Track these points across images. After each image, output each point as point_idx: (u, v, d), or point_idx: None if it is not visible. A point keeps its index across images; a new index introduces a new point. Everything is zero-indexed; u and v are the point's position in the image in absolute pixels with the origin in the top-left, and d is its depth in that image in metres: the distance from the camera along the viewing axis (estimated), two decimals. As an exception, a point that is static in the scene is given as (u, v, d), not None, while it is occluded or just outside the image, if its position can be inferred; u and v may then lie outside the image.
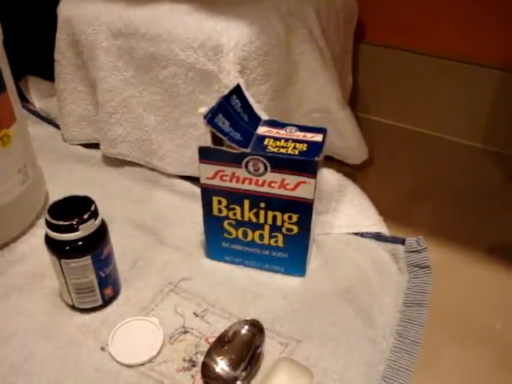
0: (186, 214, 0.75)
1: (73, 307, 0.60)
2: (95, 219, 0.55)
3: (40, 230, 0.70)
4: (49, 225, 0.53)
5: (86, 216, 0.53)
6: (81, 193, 0.57)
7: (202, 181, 0.60)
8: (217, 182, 0.59)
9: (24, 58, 1.06)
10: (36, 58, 1.09)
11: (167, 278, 0.64)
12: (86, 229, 0.54)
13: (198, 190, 0.77)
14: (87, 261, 0.55)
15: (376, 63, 0.99)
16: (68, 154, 0.90)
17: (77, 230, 0.53)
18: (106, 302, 0.60)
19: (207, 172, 0.59)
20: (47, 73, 1.08)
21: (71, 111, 0.88)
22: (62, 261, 0.55)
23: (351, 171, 0.84)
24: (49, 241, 0.55)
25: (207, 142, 0.72)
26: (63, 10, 0.83)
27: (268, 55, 0.70)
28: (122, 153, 0.82)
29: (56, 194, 0.72)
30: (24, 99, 1.04)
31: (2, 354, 0.56)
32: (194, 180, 0.80)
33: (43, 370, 0.54)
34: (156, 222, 0.73)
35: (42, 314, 0.60)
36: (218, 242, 0.65)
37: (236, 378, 0.51)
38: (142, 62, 0.74)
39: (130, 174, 0.83)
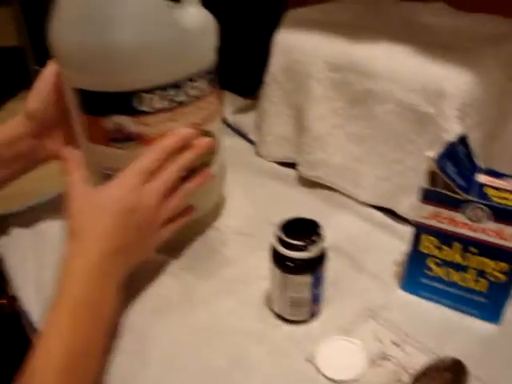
0: (378, 242, 0.79)
1: (279, 316, 0.66)
2: (322, 242, 0.60)
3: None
4: (281, 241, 0.59)
5: (315, 238, 0.59)
6: (307, 216, 0.63)
7: (417, 218, 0.63)
8: (431, 222, 0.62)
9: (221, 73, 1.15)
10: (234, 75, 1.18)
11: (365, 303, 0.68)
12: (314, 250, 0.59)
13: (389, 221, 0.82)
14: (308, 279, 0.60)
15: None
16: (262, 169, 0.97)
17: (306, 250, 0.59)
18: (312, 317, 0.65)
19: (424, 211, 0.62)
20: (242, 89, 1.18)
21: (272, 130, 0.96)
22: (286, 276, 0.60)
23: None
24: (276, 255, 0.61)
25: (409, 178, 0.76)
26: (281, 39, 0.90)
27: (485, 103, 0.72)
28: (320, 176, 0.88)
29: (251, 210, 0.79)
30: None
31: (218, 346, 0.63)
32: (385, 210, 0.84)
33: (256, 368, 0.60)
34: (351, 247, 0.77)
35: (251, 317, 0.67)
36: (417, 276, 0.68)
37: (441, 414, 0.54)
38: (356, 95, 0.79)
39: (324, 197, 0.88)
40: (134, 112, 0.64)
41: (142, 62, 0.62)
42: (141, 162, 0.64)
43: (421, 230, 0.64)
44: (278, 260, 0.61)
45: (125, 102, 0.63)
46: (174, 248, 0.77)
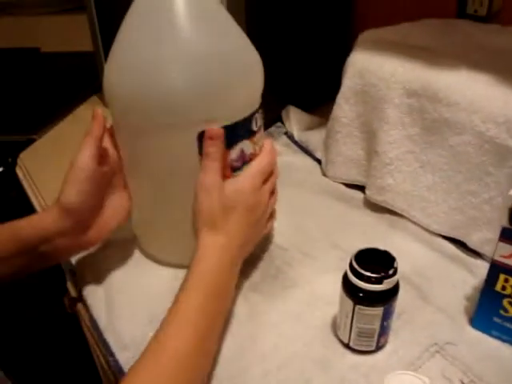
0: (447, 274, 0.77)
1: (345, 345, 0.65)
2: (395, 275, 0.59)
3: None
4: (355, 272, 0.59)
5: (390, 272, 0.58)
6: (381, 247, 0.62)
7: (495, 257, 0.62)
8: (510, 261, 0.61)
9: (289, 89, 1.16)
10: (301, 91, 1.19)
11: (432, 338, 0.67)
12: (388, 284, 0.58)
13: (459, 253, 0.80)
14: (379, 311, 0.60)
15: None
16: (329, 189, 0.97)
17: (380, 283, 0.58)
18: (378, 348, 0.64)
19: (504, 251, 0.61)
20: (308, 106, 1.18)
21: (341, 152, 0.95)
22: (357, 306, 0.60)
23: None
24: (348, 284, 0.60)
25: (483, 211, 0.74)
26: (356, 60, 0.90)
27: None
28: (388, 201, 0.87)
29: (317, 233, 0.79)
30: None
31: (284, 371, 0.63)
32: (455, 242, 0.82)
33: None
34: (418, 277, 0.76)
35: (317, 343, 0.66)
36: (489, 315, 0.66)
37: None
38: (433, 124, 0.78)
39: (390, 223, 0.87)
40: (251, 134, 0.69)
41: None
42: (260, 163, 0.70)
43: (498, 269, 0.62)
44: (350, 290, 0.60)
45: (246, 127, 0.68)
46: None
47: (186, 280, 0.61)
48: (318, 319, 0.70)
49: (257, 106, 0.70)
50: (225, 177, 0.67)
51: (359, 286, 0.59)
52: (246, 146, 0.69)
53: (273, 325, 0.69)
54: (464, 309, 0.71)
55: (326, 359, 0.64)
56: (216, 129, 0.64)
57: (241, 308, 0.71)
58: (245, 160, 0.69)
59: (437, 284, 0.76)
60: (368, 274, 0.58)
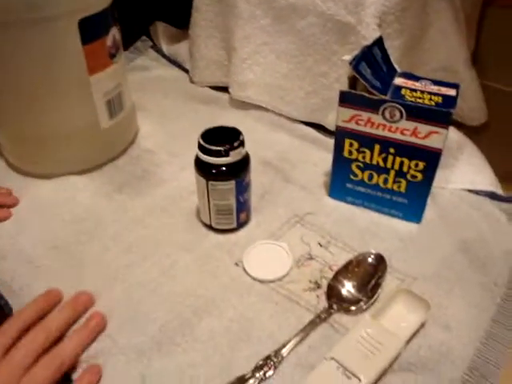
0: (308, 156, 0.80)
1: (209, 227, 0.67)
2: (243, 148, 0.61)
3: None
4: (202, 149, 0.60)
5: (235, 144, 0.60)
6: (229, 124, 0.63)
7: (338, 123, 0.65)
8: (352, 125, 0.64)
9: (154, 6, 1.13)
10: (166, 5, 1.16)
11: (293, 211, 0.70)
12: (235, 156, 0.60)
13: (320, 136, 0.83)
14: (231, 185, 0.61)
15: (500, 27, 0.98)
16: (196, 95, 0.97)
17: (227, 155, 0.59)
18: (240, 225, 0.67)
19: (344, 115, 0.64)
20: (175, 20, 1.16)
21: (204, 55, 0.95)
22: (209, 183, 0.61)
23: (466, 133, 0.86)
24: (199, 163, 0.61)
25: (335, 90, 0.77)
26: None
27: (405, 11, 0.73)
28: (251, 96, 0.88)
29: (184, 132, 0.79)
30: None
31: (151, 259, 0.64)
32: (315, 126, 0.85)
33: (186, 274, 0.61)
34: (281, 162, 0.79)
35: (182, 230, 0.68)
36: (342, 182, 0.70)
37: (359, 300, 0.57)
38: (282, 12, 0.79)
39: (256, 117, 0.89)
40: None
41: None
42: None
43: (343, 134, 0.66)
44: (201, 168, 0.61)
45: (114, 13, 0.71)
46: (104, 172, 0.77)
47: None
48: (184, 209, 0.71)
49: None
50: (105, 65, 0.69)
51: (208, 161, 0.60)
52: (116, 33, 0.71)
53: (139, 220, 0.70)
54: (323, 183, 0.75)
55: (191, 242, 0.66)
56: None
57: (106, 210, 0.71)
58: (118, 46, 0.72)
59: (299, 166, 0.79)
60: (214, 147, 0.59)
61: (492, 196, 0.73)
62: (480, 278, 0.62)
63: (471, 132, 0.87)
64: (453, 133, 0.77)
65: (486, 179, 0.76)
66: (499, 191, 0.75)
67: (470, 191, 0.74)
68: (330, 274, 0.61)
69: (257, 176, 0.72)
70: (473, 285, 0.61)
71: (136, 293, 0.59)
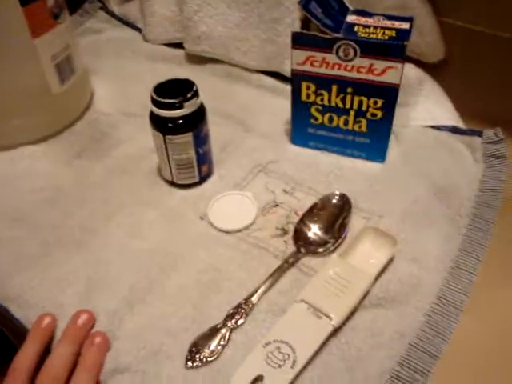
0: (268, 106, 0.79)
1: (172, 183, 0.66)
2: (197, 98, 0.59)
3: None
4: (155, 102, 0.58)
5: (189, 95, 0.58)
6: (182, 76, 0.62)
7: (293, 66, 0.63)
8: (307, 67, 0.63)
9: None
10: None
11: (256, 161, 0.69)
12: (189, 107, 0.59)
13: (279, 85, 0.82)
14: (189, 137, 0.60)
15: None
16: (151, 54, 0.94)
17: (181, 107, 0.58)
18: (202, 178, 0.66)
19: (298, 57, 0.62)
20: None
21: (155, 12, 0.92)
22: (167, 137, 0.60)
23: (426, 71, 0.85)
24: (154, 118, 0.60)
25: (288, 36, 0.75)
26: None
27: None
28: (206, 50, 0.86)
29: (140, 92, 0.77)
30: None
31: (115, 220, 0.63)
32: (275, 75, 0.83)
33: (152, 232, 0.61)
34: (241, 113, 0.78)
35: (144, 188, 0.67)
36: (303, 127, 0.69)
37: (326, 242, 0.57)
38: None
39: (213, 71, 0.87)
40: None
41: None
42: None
43: (298, 77, 0.64)
44: (156, 123, 0.60)
45: None
46: (61, 138, 0.75)
47: None
48: (145, 168, 0.70)
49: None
50: (49, 26, 0.67)
51: (163, 115, 0.59)
52: None
53: (100, 183, 0.68)
54: (284, 131, 0.74)
55: (154, 200, 0.65)
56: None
57: (66, 177, 0.69)
58: (61, 6, 0.69)
59: (259, 116, 0.78)
60: (167, 100, 0.58)
61: (454, 130, 0.73)
62: (445, 210, 0.62)
63: (430, 70, 0.86)
64: (412, 69, 0.77)
65: (447, 114, 0.76)
66: (461, 125, 0.75)
67: (433, 127, 0.74)
68: (297, 219, 0.60)
69: (217, 129, 0.71)
70: (438, 217, 0.61)
71: (103, 255, 0.58)
